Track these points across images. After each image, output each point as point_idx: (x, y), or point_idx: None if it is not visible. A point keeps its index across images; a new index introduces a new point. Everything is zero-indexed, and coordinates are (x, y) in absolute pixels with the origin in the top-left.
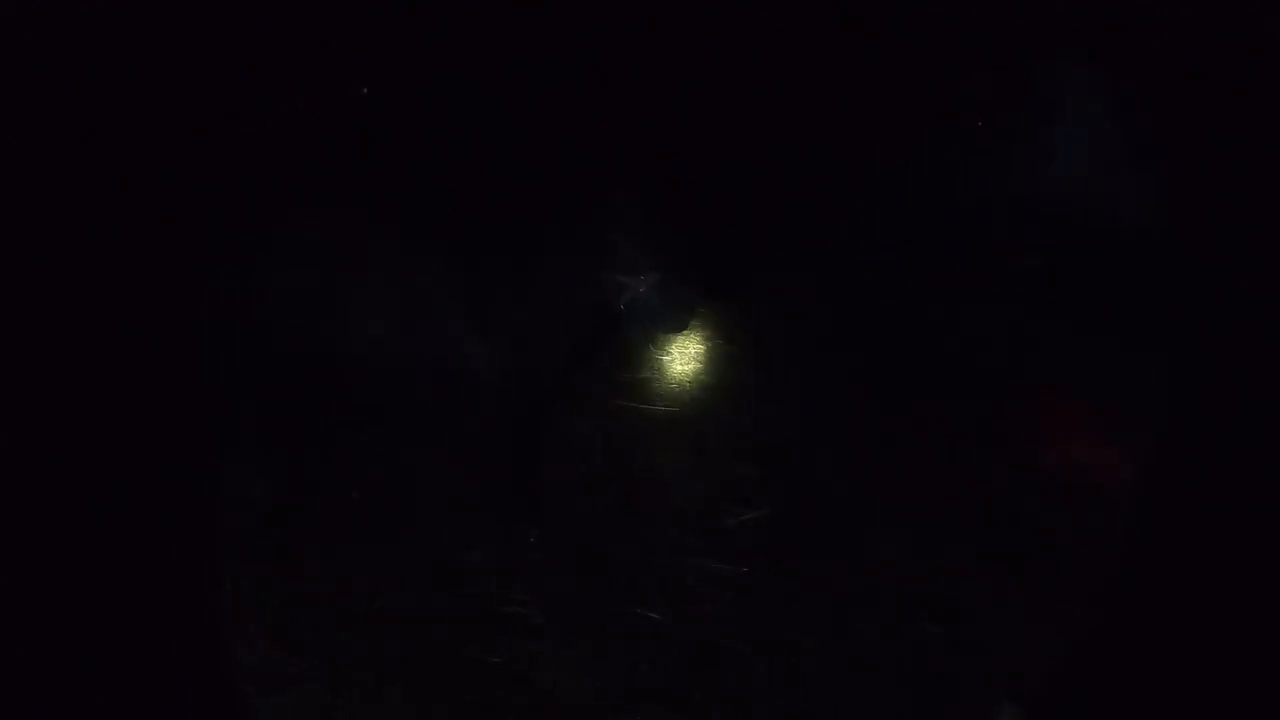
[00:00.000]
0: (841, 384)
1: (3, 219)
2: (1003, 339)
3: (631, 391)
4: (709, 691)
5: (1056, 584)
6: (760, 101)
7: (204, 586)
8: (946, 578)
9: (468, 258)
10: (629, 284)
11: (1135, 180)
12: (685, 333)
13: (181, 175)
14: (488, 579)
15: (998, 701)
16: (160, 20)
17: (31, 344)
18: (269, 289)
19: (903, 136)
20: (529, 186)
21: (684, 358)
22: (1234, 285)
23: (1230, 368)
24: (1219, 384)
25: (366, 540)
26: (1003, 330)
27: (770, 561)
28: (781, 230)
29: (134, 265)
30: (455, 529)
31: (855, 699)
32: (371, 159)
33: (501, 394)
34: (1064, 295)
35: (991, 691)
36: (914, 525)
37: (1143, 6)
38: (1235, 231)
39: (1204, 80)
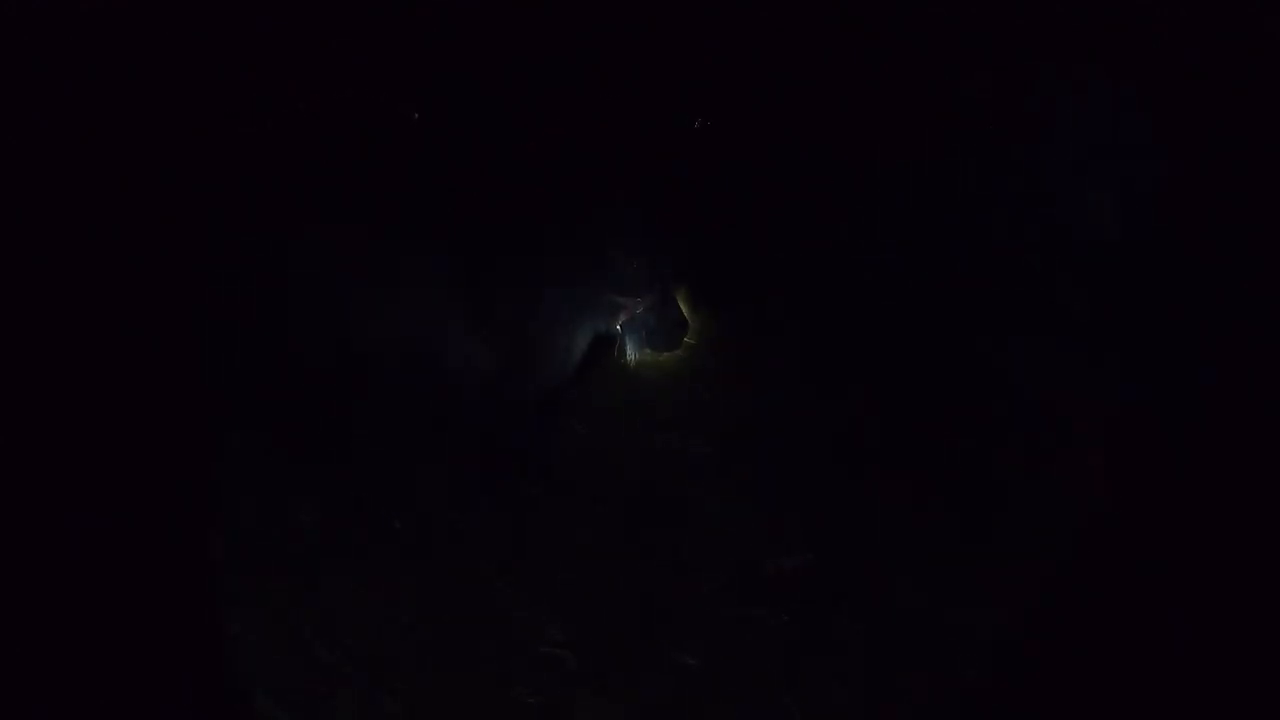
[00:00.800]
0: (883, 425)
1: (3, 219)
2: (1033, 366)
3: (670, 425)
4: None
5: (1100, 632)
6: (761, 102)
7: (204, 588)
8: (989, 628)
9: (470, 262)
10: (626, 305)
11: (1135, 181)
12: (721, 366)
13: (181, 175)
14: (522, 617)
15: None
16: (160, 20)
17: (32, 345)
18: (269, 289)
19: (911, 137)
20: (530, 187)
21: (726, 396)
22: (1233, 285)
23: (1230, 368)
24: (1219, 384)
25: (398, 570)
26: (1035, 358)
27: (811, 610)
28: (804, 245)
29: (134, 265)
30: (485, 563)
31: None
32: (371, 159)
33: (521, 414)
34: (1069, 300)
35: None
36: (957, 572)
37: (1143, 6)
38: (1235, 231)
39: (1204, 80)
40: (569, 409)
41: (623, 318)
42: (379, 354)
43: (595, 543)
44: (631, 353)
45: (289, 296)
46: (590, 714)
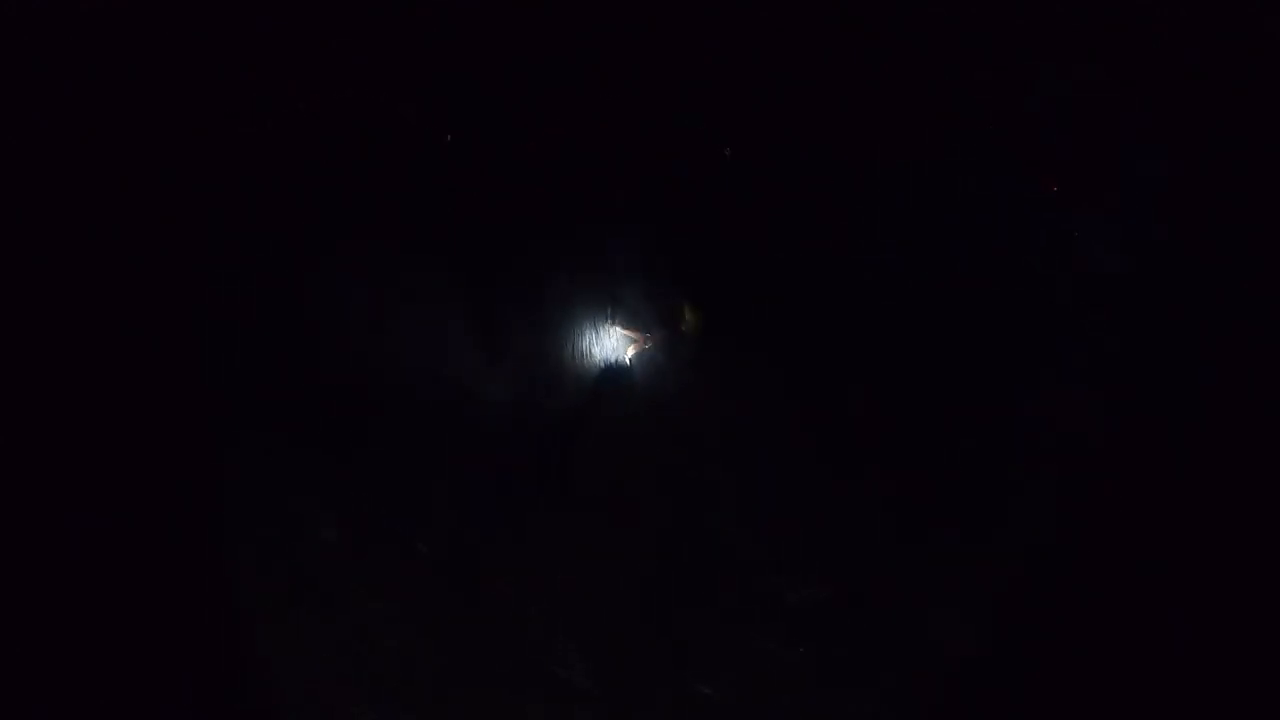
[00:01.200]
0: (883, 426)
1: (3, 219)
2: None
3: (676, 438)
4: None
5: (1100, 632)
6: (761, 102)
7: (210, 595)
8: (990, 628)
9: (472, 265)
10: (635, 337)
11: (1135, 181)
12: (722, 369)
13: (181, 175)
14: (537, 639)
15: None
16: (160, 20)
17: (32, 344)
18: (269, 289)
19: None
20: (530, 187)
21: (727, 398)
22: (1233, 285)
23: (1229, 368)
24: (1219, 384)
25: (413, 585)
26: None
27: (824, 638)
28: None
29: (134, 265)
30: (499, 582)
31: None
32: (371, 159)
33: (533, 432)
34: (1069, 300)
35: None
36: (957, 572)
37: (1143, 6)
38: (1235, 231)
39: (1204, 80)
40: (580, 425)
41: (632, 349)
42: (381, 357)
43: (610, 563)
44: (637, 367)
45: (289, 297)
46: None
